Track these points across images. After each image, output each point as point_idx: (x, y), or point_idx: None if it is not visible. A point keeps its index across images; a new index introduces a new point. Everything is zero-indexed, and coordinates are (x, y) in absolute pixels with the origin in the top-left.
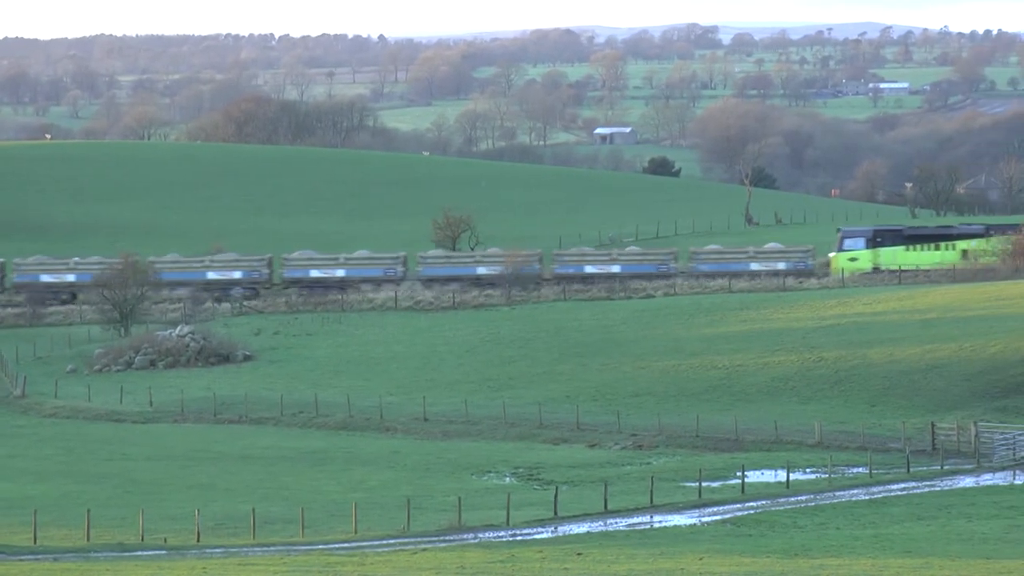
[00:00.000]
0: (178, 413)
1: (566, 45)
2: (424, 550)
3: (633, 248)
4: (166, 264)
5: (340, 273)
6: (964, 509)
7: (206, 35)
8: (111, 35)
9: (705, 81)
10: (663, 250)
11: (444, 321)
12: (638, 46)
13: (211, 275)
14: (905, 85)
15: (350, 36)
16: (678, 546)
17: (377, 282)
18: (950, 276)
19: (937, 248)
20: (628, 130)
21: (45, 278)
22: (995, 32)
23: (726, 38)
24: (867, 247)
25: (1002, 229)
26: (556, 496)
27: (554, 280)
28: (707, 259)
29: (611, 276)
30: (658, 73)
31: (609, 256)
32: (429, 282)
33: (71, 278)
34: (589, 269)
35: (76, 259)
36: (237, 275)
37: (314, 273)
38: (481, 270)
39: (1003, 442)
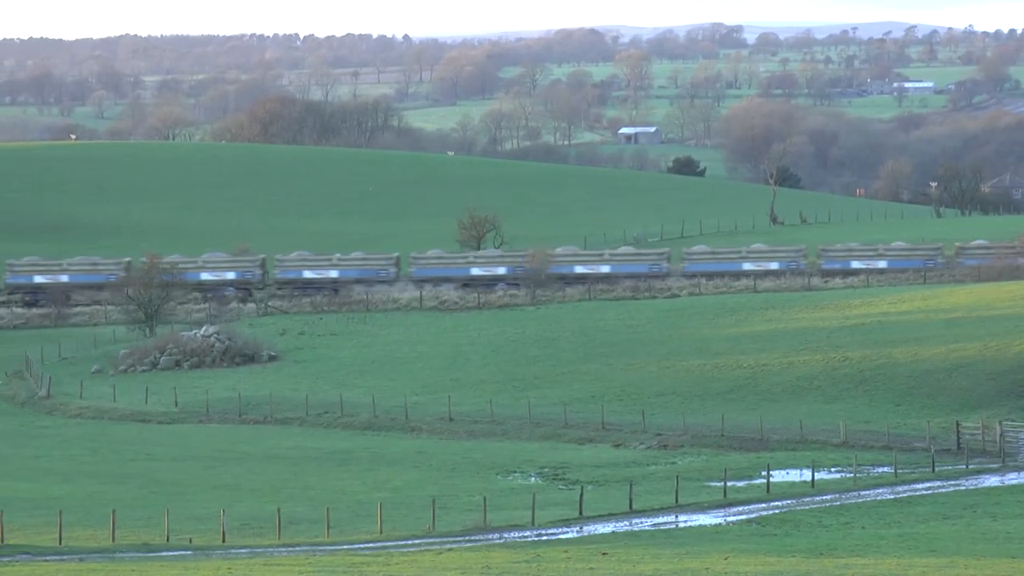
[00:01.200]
0: (203, 413)
1: (591, 45)
2: (449, 550)
3: (899, 243)
4: (429, 260)
5: (605, 269)
6: (989, 508)
7: (231, 35)
8: (136, 35)
9: (730, 81)
10: (930, 245)
11: (469, 321)
12: (663, 46)
13: (475, 271)
14: (930, 84)
15: (375, 36)
16: (703, 546)
17: (643, 277)
18: (975, 275)
19: None
20: (653, 130)
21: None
22: (1020, 31)
23: (751, 37)
24: None
25: None
26: (581, 496)
27: (822, 275)
28: (974, 254)
29: (878, 271)
30: (683, 73)
31: (875, 251)
32: (694, 276)
33: (334, 274)
34: (856, 264)
35: (354, 254)
36: (501, 271)
37: (579, 269)
38: (747, 265)
39: None
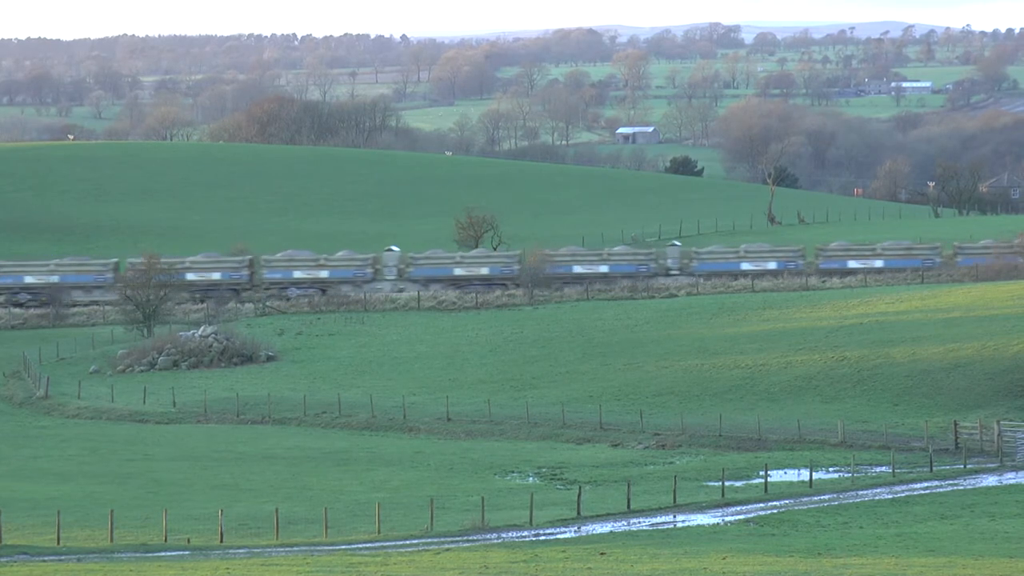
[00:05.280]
0: (201, 414)
1: (588, 45)
2: (447, 550)
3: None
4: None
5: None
6: (987, 508)
7: (229, 35)
8: (134, 35)
9: (728, 80)
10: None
11: (467, 321)
12: (660, 45)
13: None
14: (928, 84)
15: (372, 36)
16: (701, 546)
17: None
18: (973, 275)
19: None
20: (651, 130)
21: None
22: (1017, 31)
23: (748, 37)
24: None
25: None
26: (579, 496)
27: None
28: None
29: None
30: (680, 72)
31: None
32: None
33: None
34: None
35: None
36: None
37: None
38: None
39: None
